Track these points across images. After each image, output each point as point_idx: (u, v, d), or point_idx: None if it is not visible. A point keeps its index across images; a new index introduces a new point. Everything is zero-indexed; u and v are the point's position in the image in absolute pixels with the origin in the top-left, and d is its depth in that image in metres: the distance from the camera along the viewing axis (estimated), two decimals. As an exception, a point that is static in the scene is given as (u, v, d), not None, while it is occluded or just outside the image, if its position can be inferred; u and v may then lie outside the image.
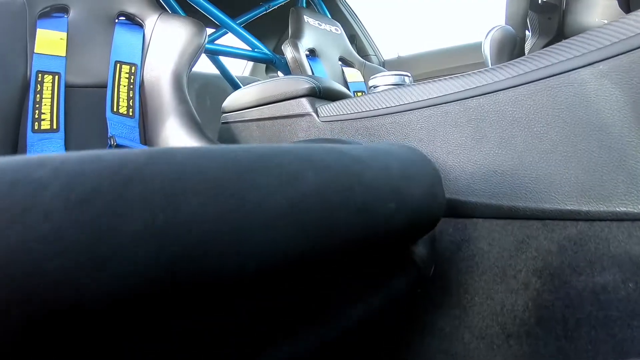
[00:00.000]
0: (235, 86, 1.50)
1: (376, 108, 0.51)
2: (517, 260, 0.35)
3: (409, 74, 0.62)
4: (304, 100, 0.65)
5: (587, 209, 0.30)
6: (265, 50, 1.30)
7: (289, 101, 0.68)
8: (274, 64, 1.24)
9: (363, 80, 1.43)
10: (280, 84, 0.71)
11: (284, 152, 0.19)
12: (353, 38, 1.62)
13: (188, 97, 0.94)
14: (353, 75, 1.40)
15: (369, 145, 0.27)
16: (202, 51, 0.98)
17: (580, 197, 0.31)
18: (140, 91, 0.99)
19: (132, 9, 1.02)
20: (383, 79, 0.62)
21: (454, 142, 0.41)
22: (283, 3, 1.53)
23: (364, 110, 0.53)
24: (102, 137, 0.92)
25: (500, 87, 0.37)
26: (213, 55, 1.23)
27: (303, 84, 0.65)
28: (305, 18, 1.35)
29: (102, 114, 0.93)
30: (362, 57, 1.54)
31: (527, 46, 0.83)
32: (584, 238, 0.31)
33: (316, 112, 0.63)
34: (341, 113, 0.57)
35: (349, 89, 1.38)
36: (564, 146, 0.32)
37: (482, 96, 0.39)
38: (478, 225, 0.38)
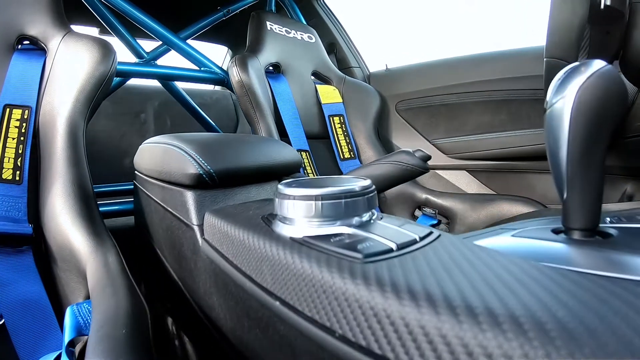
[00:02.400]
0: (198, 117, 1.27)
1: (266, 285, 0.25)
2: None
3: (370, 186, 0.29)
4: (189, 196, 0.40)
5: None
6: (215, 69, 1.05)
7: (176, 189, 0.44)
8: (226, 85, 1.01)
9: (341, 100, 1.17)
10: (169, 154, 0.45)
11: None
12: (332, 47, 1.36)
13: (84, 156, 0.72)
14: (328, 94, 1.15)
15: None
16: (108, 82, 0.76)
17: None
18: (33, 144, 0.77)
19: (33, 31, 0.80)
20: (299, 208, 0.27)
21: None
22: (248, 5, 1.27)
23: (250, 272, 0.27)
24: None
25: None
26: (154, 78, 1.00)
27: (185, 166, 0.40)
28: (269, 25, 1.09)
29: (-17, 178, 0.72)
30: (342, 70, 1.29)
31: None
32: None
33: (202, 225, 0.39)
34: (225, 251, 0.32)
35: (322, 113, 1.14)
36: None
37: None
38: None
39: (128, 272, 0.50)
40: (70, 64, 0.75)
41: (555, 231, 0.28)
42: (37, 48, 0.80)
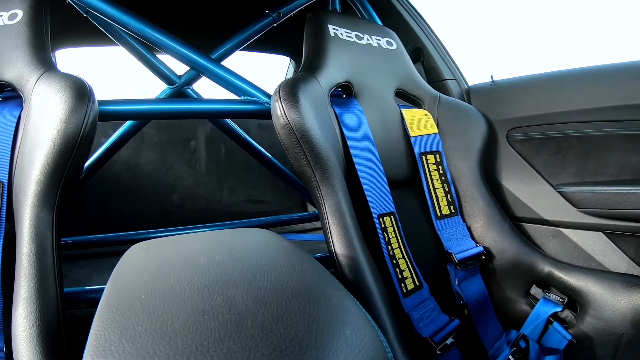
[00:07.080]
0: (251, 150, 1.01)
1: None
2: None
3: None
4: None
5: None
6: (261, 98, 0.77)
7: None
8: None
9: (437, 130, 0.84)
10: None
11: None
12: (418, 54, 1.01)
13: (53, 270, 0.47)
14: (419, 122, 0.82)
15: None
16: (84, 146, 0.51)
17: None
18: (7, 232, 0.55)
19: (9, 75, 0.58)
20: None
21: None
22: (305, 6, 0.98)
23: None
24: None
25: None
26: (170, 118, 0.73)
27: None
28: (332, 29, 0.79)
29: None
30: (432, 84, 0.94)
31: None
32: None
33: None
34: None
35: (412, 149, 0.81)
36: None
37: None
38: None
39: None
40: (39, 119, 0.51)
41: None
42: (17, 96, 0.58)
